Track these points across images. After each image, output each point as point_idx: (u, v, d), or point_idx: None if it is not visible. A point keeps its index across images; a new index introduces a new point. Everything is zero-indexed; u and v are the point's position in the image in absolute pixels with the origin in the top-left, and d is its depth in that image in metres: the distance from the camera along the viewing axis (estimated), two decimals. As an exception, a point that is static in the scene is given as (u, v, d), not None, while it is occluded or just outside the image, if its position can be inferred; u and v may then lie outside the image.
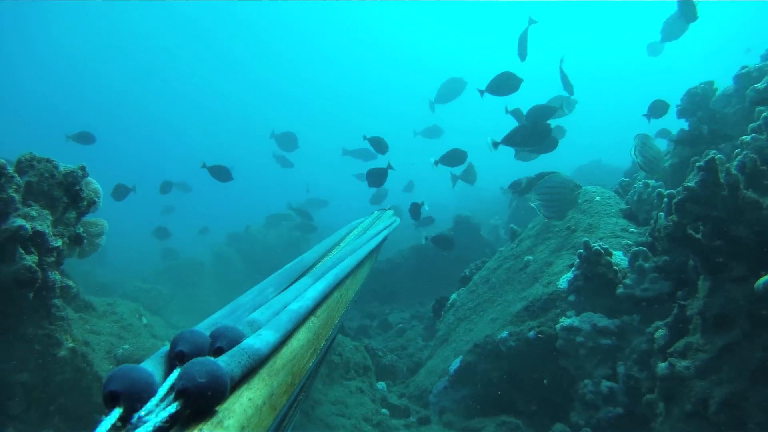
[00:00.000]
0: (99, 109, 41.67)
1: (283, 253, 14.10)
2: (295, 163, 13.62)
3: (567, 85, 7.67)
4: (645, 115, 6.59)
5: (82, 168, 3.80)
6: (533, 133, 5.94)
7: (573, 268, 4.87)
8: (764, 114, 3.45)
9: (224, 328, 0.82)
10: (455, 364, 5.33)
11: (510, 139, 5.96)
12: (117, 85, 42.93)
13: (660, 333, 3.64)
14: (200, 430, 0.62)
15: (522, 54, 7.61)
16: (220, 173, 7.98)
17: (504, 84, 6.38)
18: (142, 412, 0.61)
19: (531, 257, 5.90)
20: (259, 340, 0.82)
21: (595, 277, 4.65)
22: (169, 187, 11.61)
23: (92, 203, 3.99)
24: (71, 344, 3.64)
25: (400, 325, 9.30)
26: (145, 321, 5.29)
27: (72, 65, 40.39)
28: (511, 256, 6.41)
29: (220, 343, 0.79)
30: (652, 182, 5.69)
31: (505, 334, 4.94)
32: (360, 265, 1.64)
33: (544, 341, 4.67)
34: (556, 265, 5.37)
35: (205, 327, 0.88)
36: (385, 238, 2.21)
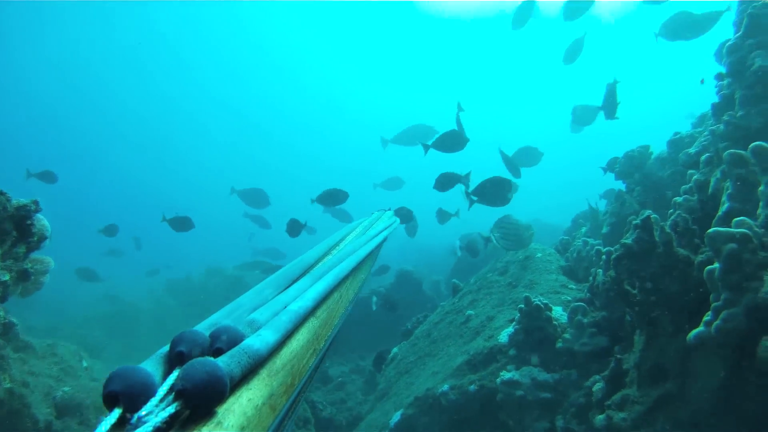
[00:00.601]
0: (61, 150, 40.42)
1: (224, 301, 13.77)
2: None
3: (512, 168, 7.86)
4: (602, 168, 6.83)
5: (35, 202, 3.68)
6: (498, 189, 6.22)
7: (514, 323, 4.91)
8: (695, 177, 3.62)
9: (224, 329, 0.82)
10: (396, 417, 5.25)
11: (477, 191, 6.22)
12: (82, 127, 41.80)
13: (598, 386, 3.69)
14: (200, 430, 0.62)
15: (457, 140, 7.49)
16: (181, 224, 7.81)
17: (449, 143, 6.53)
18: (142, 413, 0.61)
19: (473, 311, 5.94)
20: (258, 341, 0.82)
21: (535, 332, 4.70)
22: (115, 230, 11.25)
23: (43, 239, 3.85)
24: (9, 384, 3.45)
25: (339, 379, 9.14)
26: (85, 364, 5.04)
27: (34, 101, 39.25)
28: (453, 311, 6.43)
29: (220, 343, 0.79)
30: (591, 240, 5.87)
31: (446, 387, 4.91)
32: (360, 265, 1.63)
33: (485, 395, 4.67)
34: (498, 319, 5.42)
35: (204, 327, 0.87)
36: (385, 239, 2.20)
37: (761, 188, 2.43)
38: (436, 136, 6.57)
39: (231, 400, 0.69)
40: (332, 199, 7.05)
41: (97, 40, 35.04)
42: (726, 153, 2.98)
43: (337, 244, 1.82)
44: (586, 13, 6.90)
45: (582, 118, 7.99)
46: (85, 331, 10.30)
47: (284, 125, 47.98)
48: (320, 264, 1.48)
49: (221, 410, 0.66)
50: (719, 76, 4.07)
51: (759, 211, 2.45)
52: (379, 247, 2.07)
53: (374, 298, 8.10)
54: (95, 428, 0.57)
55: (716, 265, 2.44)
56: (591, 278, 4.87)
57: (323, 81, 43.86)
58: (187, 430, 0.62)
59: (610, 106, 6.02)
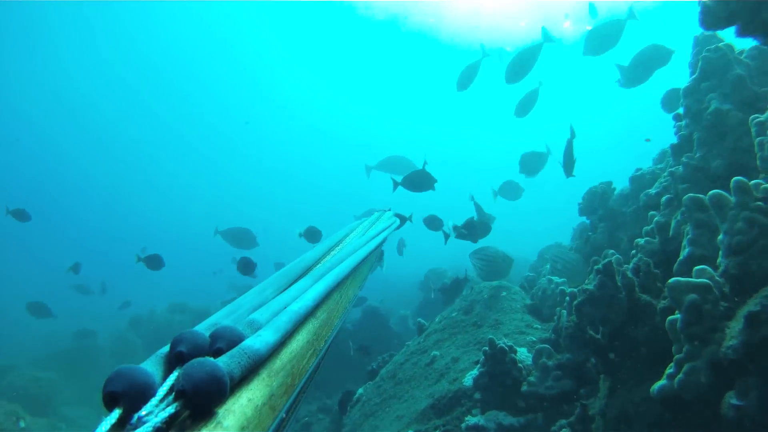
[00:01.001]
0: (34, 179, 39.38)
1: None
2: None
3: (481, 213, 7.84)
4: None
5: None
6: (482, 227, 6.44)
7: (478, 365, 4.81)
8: (656, 219, 3.59)
9: (224, 329, 0.82)
10: (360, 464, 5.08)
11: (466, 227, 6.41)
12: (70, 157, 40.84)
13: (563, 433, 3.59)
14: (200, 430, 0.62)
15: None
16: (155, 263, 7.60)
17: (418, 182, 6.47)
18: (142, 413, 0.61)
19: (438, 352, 5.83)
20: (258, 341, 0.81)
21: (500, 375, 4.59)
22: (79, 268, 10.92)
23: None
24: None
25: (306, 419, 8.90)
26: (22, 425, 4.75)
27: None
28: (418, 351, 6.31)
29: (220, 343, 0.78)
30: (555, 278, 5.82)
31: (410, 433, 4.78)
32: (360, 265, 1.63)
33: (450, 441, 4.54)
34: (462, 361, 5.31)
35: (204, 327, 0.87)
36: (385, 239, 2.20)
37: (720, 236, 2.38)
38: (407, 173, 6.50)
39: (231, 400, 0.69)
40: (315, 236, 6.99)
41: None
42: (686, 197, 2.95)
43: (337, 244, 1.82)
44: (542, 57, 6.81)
45: (530, 166, 7.96)
46: (41, 372, 9.79)
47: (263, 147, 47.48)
48: (320, 264, 1.49)
49: (221, 410, 0.66)
50: (677, 117, 4.09)
51: (719, 260, 2.40)
52: (379, 247, 2.07)
53: (350, 343, 8.04)
54: (96, 428, 0.57)
55: (677, 315, 2.38)
56: (556, 318, 4.81)
57: (303, 100, 43.10)
58: (187, 430, 0.62)
59: (568, 164, 6.06)
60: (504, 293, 6.13)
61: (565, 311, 4.33)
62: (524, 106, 7.49)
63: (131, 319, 14.86)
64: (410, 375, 6.01)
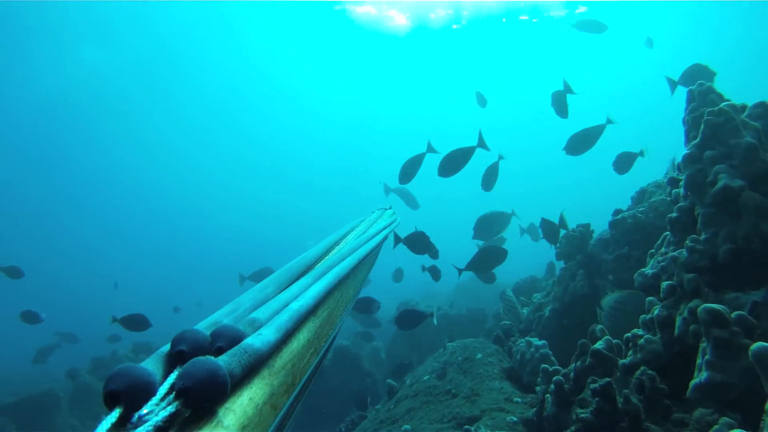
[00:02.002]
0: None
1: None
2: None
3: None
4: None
5: None
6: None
7: (454, 455, 4.26)
8: (656, 311, 3.06)
9: (224, 328, 0.81)
10: None
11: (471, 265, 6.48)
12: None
13: None
14: (200, 429, 0.61)
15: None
16: (136, 324, 6.91)
17: (417, 243, 6.21)
18: (143, 412, 0.60)
19: (409, 426, 5.24)
20: (259, 340, 0.80)
21: (478, 471, 4.05)
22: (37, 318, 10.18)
23: None
24: None
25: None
26: None
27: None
28: (388, 420, 5.72)
29: (220, 342, 0.77)
30: (534, 341, 5.30)
31: None
32: (361, 264, 1.59)
33: None
34: (436, 441, 4.75)
35: (205, 326, 0.86)
36: (385, 237, 2.16)
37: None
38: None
39: (232, 399, 0.68)
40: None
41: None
42: (701, 309, 2.42)
43: (338, 242, 1.76)
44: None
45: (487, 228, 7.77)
46: None
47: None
48: (321, 262, 1.44)
49: (222, 409, 0.65)
50: (672, 182, 3.56)
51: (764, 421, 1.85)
52: (380, 245, 2.04)
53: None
54: (96, 427, 0.57)
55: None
56: (539, 397, 4.29)
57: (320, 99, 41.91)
58: (188, 429, 0.61)
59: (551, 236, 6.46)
60: (479, 355, 5.60)
61: (549, 396, 3.82)
62: (488, 180, 7.35)
63: (93, 360, 13.99)
64: (378, 451, 5.44)
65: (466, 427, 4.15)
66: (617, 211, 6.01)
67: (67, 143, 37.58)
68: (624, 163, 6.77)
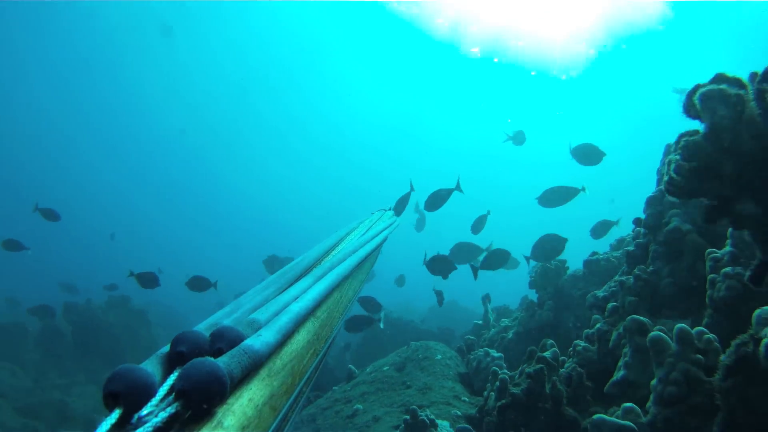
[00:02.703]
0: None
1: (122, 334, 12.92)
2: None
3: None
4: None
5: None
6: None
7: (397, 432, 4.62)
8: (597, 325, 3.48)
9: (224, 329, 0.81)
10: None
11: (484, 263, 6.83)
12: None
13: None
14: (200, 430, 0.61)
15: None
16: (147, 281, 7.33)
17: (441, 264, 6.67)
18: (143, 413, 0.61)
19: (361, 406, 5.61)
20: (259, 341, 0.81)
21: (416, 448, 4.41)
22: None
23: None
24: None
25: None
26: None
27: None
28: (342, 399, 6.09)
29: (220, 343, 0.78)
30: (492, 352, 5.69)
31: (313, 493, 4.55)
32: (360, 265, 1.62)
33: None
34: (383, 422, 5.11)
35: (204, 327, 0.87)
36: (385, 239, 2.20)
37: (653, 382, 2.25)
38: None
39: (231, 400, 0.69)
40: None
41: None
42: (628, 319, 2.84)
43: (337, 243, 1.80)
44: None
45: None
46: None
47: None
48: (321, 264, 1.46)
49: (222, 410, 0.66)
50: (637, 221, 4.01)
51: (648, 404, 2.26)
52: (379, 246, 2.06)
53: None
54: (96, 428, 0.57)
55: (598, 454, 2.24)
56: (484, 396, 4.66)
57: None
58: (188, 430, 0.61)
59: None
60: (439, 356, 5.98)
61: (494, 393, 4.19)
62: (476, 227, 8.18)
63: (65, 305, 14.18)
64: (330, 424, 5.79)
65: (413, 407, 4.51)
66: (593, 253, 6.43)
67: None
68: (600, 230, 7.29)
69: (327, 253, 1.64)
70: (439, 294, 7.81)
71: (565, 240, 6.48)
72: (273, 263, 10.16)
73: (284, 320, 0.94)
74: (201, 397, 0.63)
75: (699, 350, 2.15)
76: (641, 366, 2.77)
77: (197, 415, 0.63)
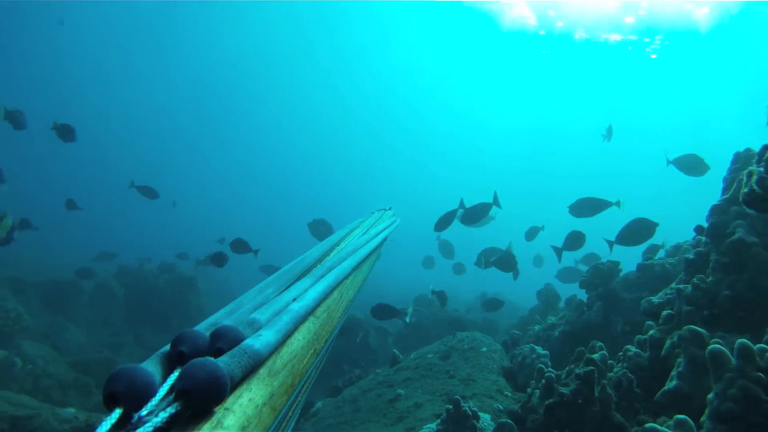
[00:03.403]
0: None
1: (171, 299, 13.33)
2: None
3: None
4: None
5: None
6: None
7: (438, 421, 4.66)
8: (651, 332, 3.44)
9: (224, 329, 0.81)
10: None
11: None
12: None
13: None
14: (200, 430, 0.61)
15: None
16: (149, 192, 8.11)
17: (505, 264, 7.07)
18: (143, 413, 0.61)
19: (403, 391, 5.68)
20: (259, 341, 0.81)
21: (457, 438, 4.45)
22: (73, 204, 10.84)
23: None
24: None
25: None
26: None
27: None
28: (386, 383, 6.17)
29: (220, 343, 0.78)
30: (538, 349, 5.67)
31: (353, 473, 4.64)
32: (361, 265, 1.63)
33: (390, 494, 4.40)
34: (425, 408, 5.17)
35: (205, 327, 0.87)
36: (385, 238, 2.20)
37: (710, 396, 2.23)
38: None
39: (231, 400, 0.69)
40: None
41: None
42: (686, 328, 2.80)
43: (338, 243, 1.81)
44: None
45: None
46: (11, 304, 9.48)
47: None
48: (321, 263, 1.47)
49: (222, 410, 0.66)
50: (698, 230, 3.93)
51: (702, 419, 2.24)
52: (379, 246, 2.06)
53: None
54: (96, 428, 0.57)
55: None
56: (528, 392, 4.66)
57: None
58: (188, 429, 0.61)
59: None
60: (484, 349, 5.99)
61: (538, 391, 4.19)
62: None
63: (119, 268, 14.72)
64: (371, 406, 5.87)
65: (456, 397, 4.55)
66: (648, 257, 6.32)
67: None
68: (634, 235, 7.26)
69: (327, 252, 1.66)
70: (440, 295, 8.00)
71: (656, 225, 6.43)
72: (319, 227, 10.24)
73: (284, 320, 0.94)
74: (201, 397, 0.63)
75: (760, 368, 2.12)
76: (695, 377, 2.74)
77: (197, 415, 0.64)
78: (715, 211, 3.52)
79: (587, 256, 10.78)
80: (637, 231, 6.50)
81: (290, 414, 0.96)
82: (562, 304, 9.40)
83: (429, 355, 6.30)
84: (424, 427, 4.83)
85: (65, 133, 8.84)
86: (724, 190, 3.81)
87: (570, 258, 9.78)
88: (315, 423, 6.27)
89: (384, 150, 50.85)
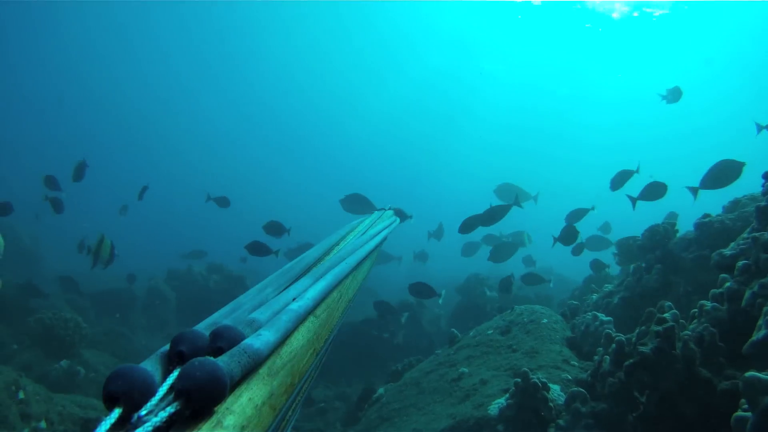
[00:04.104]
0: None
1: (220, 299, 13.52)
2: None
3: None
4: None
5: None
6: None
7: (507, 395, 4.60)
8: (727, 284, 3.30)
9: (224, 328, 0.82)
10: (367, 475, 4.94)
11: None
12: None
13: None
14: (200, 429, 0.61)
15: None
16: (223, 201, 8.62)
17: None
18: (142, 412, 0.61)
19: (467, 369, 5.63)
20: (258, 340, 0.81)
21: (528, 411, 4.38)
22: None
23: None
24: None
25: (322, 404, 8.82)
26: (21, 396, 4.61)
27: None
28: (447, 363, 6.12)
29: (220, 343, 0.79)
30: (601, 316, 5.55)
31: (425, 453, 4.61)
32: (360, 264, 1.63)
33: (465, 471, 4.35)
34: (491, 385, 5.11)
35: (204, 327, 0.87)
36: (384, 238, 2.21)
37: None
38: None
39: (231, 399, 0.69)
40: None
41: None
42: (771, 274, 2.67)
43: (337, 243, 1.82)
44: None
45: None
46: (69, 314, 9.60)
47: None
48: (321, 263, 1.48)
49: (221, 410, 0.66)
50: (766, 176, 3.76)
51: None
52: (379, 246, 2.06)
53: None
54: (96, 428, 0.57)
55: (748, 414, 2.13)
56: (596, 360, 4.55)
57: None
58: (188, 429, 0.61)
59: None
60: (545, 320, 5.89)
61: (608, 357, 4.08)
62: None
63: (168, 272, 14.97)
64: (434, 387, 5.84)
65: (524, 369, 4.47)
66: (706, 215, 6.12)
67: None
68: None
69: (327, 252, 1.66)
70: (505, 282, 8.18)
71: (743, 164, 6.09)
72: (353, 201, 10.19)
73: (284, 319, 0.94)
74: (201, 396, 0.63)
75: None
76: (786, 324, 2.62)
77: (197, 415, 0.63)
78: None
79: (605, 224, 11.04)
80: (724, 172, 6.22)
81: (290, 413, 0.97)
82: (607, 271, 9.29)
83: (489, 332, 6.22)
84: (494, 402, 4.77)
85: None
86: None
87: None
88: (379, 409, 6.26)
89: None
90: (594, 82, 38.02)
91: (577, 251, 8.34)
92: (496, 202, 7.59)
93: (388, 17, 34.23)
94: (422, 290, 6.89)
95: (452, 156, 51.08)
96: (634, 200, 7.22)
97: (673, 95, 10.18)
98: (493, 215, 6.90)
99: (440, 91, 43.18)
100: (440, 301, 6.92)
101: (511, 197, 8.75)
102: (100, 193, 29.73)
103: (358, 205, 9.50)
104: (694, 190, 6.55)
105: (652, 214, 7.74)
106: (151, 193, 10.20)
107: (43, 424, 4.51)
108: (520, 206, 7.15)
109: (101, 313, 12.18)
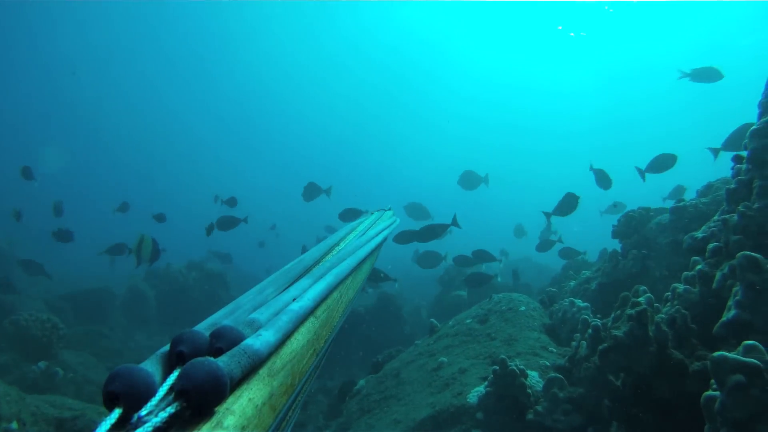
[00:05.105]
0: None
1: (200, 295, 13.43)
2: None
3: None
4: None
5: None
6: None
7: (485, 383, 4.61)
8: (698, 266, 3.33)
9: (224, 329, 0.81)
10: (348, 466, 4.92)
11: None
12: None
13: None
14: (200, 430, 0.61)
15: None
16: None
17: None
18: (142, 413, 0.61)
19: (446, 359, 5.63)
20: (258, 341, 0.81)
21: (506, 398, 4.40)
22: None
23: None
24: None
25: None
26: (14, 426, 4.51)
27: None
28: (427, 353, 6.12)
29: (220, 343, 0.78)
30: (578, 302, 5.58)
31: (405, 443, 4.60)
32: (360, 265, 1.61)
33: (444, 460, 4.36)
34: (470, 373, 5.12)
35: (204, 327, 0.87)
36: (385, 239, 2.20)
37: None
38: None
39: (231, 400, 0.69)
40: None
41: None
42: (740, 255, 2.70)
43: (337, 243, 1.81)
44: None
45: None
46: (45, 315, 9.47)
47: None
48: (321, 264, 1.46)
49: (221, 410, 0.66)
50: (737, 159, 3.79)
51: (773, 341, 2.15)
52: (379, 247, 2.06)
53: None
54: (96, 428, 0.57)
55: (716, 393, 2.14)
56: (574, 345, 4.58)
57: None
58: (188, 429, 0.61)
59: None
60: (523, 308, 5.91)
61: (585, 342, 4.10)
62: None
63: (147, 271, 14.79)
64: (414, 377, 5.84)
65: (502, 357, 4.48)
66: (680, 200, 6.17)
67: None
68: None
69: (327, 253, 1.66)
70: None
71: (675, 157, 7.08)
72: (416, 210, 10.47)
73: (284, 320, 0.93)
74: (201, 396, 0.63)
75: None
76: (755, 305, 2.64)
77: (197, 415, 0.63)
78: (756, 134, 3.38)
79: (611, 206, 10.86)
80: (662, 161, 7.06)
81: (290, 414, 0.96)
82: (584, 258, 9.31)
83: (467, 321, 6.24)
84: (473, 391, 4.79)
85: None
86: (761, 115, 3.67)
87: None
88: (360, 401, 6.25)
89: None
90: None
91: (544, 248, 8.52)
92: (461, 192, 7.80)
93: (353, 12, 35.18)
94: (484, 255, 7.41)
95: (414, 148, 52.77)
96: (642, 172, 7.42)
97: (707, 75, 9.84)
98: (429, 233, 7.01)
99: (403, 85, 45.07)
100: (499, 279, 7.21)
101: (473, 184, 9.02)
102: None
103: (420, 212, 9.86)
104: (641, 172, 7.30)
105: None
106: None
107: (14, 425, 4.42)
108: (458, 226, 7.23)
109: (80, 313, 12.03)
